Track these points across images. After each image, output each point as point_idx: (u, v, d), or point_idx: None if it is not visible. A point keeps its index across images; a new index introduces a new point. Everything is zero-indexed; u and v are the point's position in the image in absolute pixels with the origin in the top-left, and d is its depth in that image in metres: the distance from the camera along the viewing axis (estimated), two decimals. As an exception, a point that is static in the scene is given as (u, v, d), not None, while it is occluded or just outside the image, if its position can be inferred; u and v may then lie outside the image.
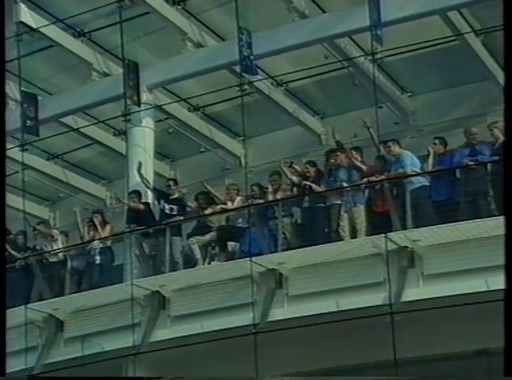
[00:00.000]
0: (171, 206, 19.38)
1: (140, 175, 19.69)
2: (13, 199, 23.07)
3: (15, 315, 19.09)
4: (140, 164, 19.73)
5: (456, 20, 18.76)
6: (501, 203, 16.53)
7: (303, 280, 17.30)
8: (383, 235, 16.50)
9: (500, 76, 20.08)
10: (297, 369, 17.39)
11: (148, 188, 19.88)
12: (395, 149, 17.84)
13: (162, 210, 19.52)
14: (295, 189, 18.54)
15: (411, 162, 17.60)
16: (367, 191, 17.85)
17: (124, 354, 18.08)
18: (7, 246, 21.44)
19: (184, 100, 21.81)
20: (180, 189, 20.20)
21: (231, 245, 18.82)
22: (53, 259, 20.52)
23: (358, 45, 19.43)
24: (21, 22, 19.90)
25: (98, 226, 20.19)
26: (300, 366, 17.35)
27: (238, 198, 19.11)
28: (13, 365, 18.76)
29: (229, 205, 19.11)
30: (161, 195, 19.66)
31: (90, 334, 18.68)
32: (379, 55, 18.69)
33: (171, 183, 20.38)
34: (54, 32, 20.48)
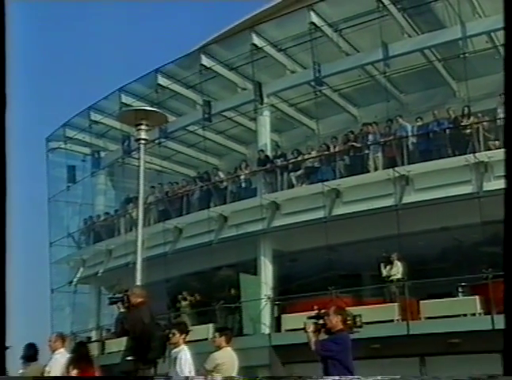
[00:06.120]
0: (277, 160, 19.49)
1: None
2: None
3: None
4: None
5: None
6: (454, 149, 16.28)
7: (350, 194, 17.27)
8: (391, 169, 16.52)
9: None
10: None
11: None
12: (401, 121, 17.62)
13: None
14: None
15: (407, 129, 17.41)
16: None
17: (257, 233, 18.50)
18: (197, 180, 21.74)
19: (286, 101, 21.66)
20: (281, 150, 20.29)
21: (311, 176, 18.81)
22: (220, 186, 20.78)
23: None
24: (201, 64, 20.24)
25: (244, 168, 20.37)
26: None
27: (313, 152, 19.05)
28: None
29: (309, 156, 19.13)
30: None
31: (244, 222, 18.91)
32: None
33: (276, 147, 20.60)
34: (221, 70, 20.88)
